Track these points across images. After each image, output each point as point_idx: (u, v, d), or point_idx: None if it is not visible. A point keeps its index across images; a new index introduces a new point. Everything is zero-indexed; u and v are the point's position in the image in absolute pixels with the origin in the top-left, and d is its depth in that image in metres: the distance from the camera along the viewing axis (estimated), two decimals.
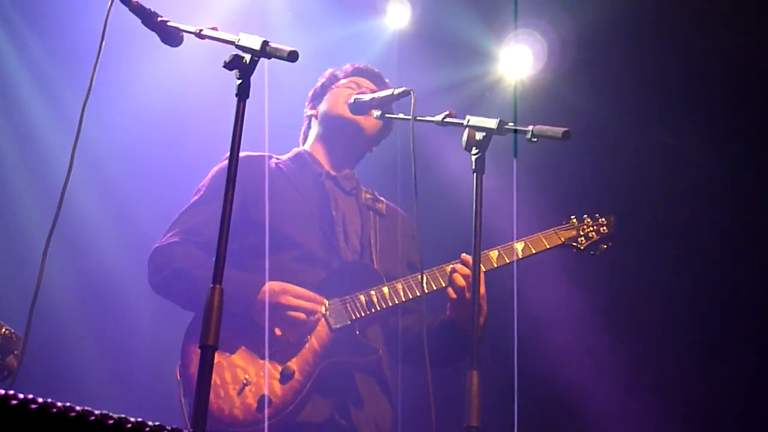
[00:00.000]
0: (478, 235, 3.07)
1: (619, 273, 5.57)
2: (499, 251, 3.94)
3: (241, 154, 3.89)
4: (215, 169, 3.98)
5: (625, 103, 5.70)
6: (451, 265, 3.78)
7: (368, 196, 4.15)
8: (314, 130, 4.21)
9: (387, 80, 4.23)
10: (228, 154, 3.84)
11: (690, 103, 5.68)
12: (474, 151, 3.16)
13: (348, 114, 4.02)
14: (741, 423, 5.48)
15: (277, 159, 4.08)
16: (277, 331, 3.63)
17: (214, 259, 3.70)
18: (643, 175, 5.82)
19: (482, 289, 3.68)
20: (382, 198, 4.20)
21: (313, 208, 3.95)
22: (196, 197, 3.93)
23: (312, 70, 4.29)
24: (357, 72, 4.23)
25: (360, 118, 4.02)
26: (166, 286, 3.80)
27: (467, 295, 3.70)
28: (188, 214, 3.88)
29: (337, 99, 4.11)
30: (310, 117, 4.25)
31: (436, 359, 3.47)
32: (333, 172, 4.10)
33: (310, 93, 4.28)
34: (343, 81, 4.20)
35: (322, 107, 4.17)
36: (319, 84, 4.26)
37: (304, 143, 4.26)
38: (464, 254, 3.75)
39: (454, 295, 3.73)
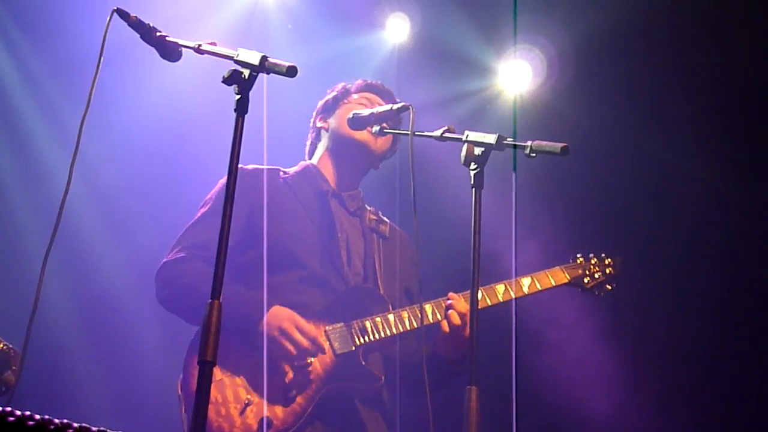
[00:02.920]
0: (477, 251, 3.07)
1: (618, 288, 5.56)
2: (505, 285, 3.95)
3: (250, 166, 3.93)
4: (222, 181, 3.95)
5: (624, 117, 5.70)
6: (449, 301, 3.77)
7: (372, 217, 4.13)
8: (323, 143, 4.19)
9: (397, 99, 4.17)
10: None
11: (690, 117, 5.68)
12: (473, 166, 3.17)
13: (360, 135, 4.01)
14: None
15: (285, 173, 4.07)
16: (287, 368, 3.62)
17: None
18: (642, 189, 5.81)
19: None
20: (386, 219, 4.19)
21: (319, 228, 3.93)
22: (203, 210, 3.91)
23: (311, 85, 4.28)
24: (369, 88, 4.21)
25: (370, 139, 4.02)
26: (174, 301, 3.77)
27: (461, 333, 3.71)
28: (195, 229, 3.86)
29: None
30: (319, 129, 4.21)
31: (415, 387, 3.48)
32: (339, 191, 4.09)
33: (321, 104, 4.24)
34: (354, 96, 4.17)
35: (333, 122, 4.15)
36: (330, 97, 4.22)
37: (310, 156, 4.23)
38: (451, 293, 3.77)
39: (447, 330, 3.74)
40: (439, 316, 3.78)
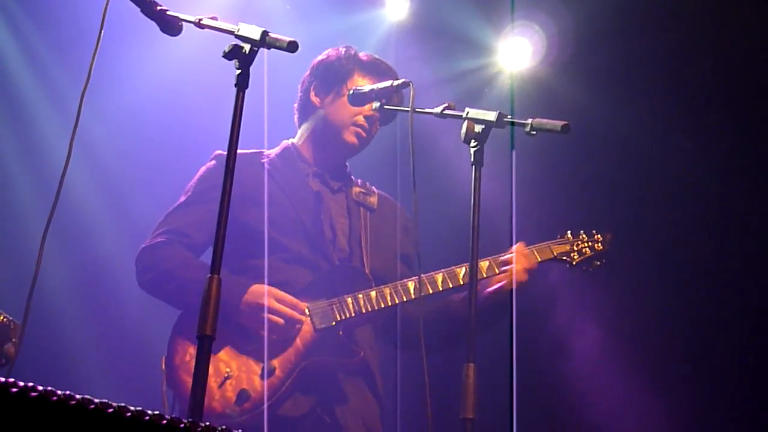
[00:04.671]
0: (476, 228, 3.09)
1: (618, 268, 5.56)
2: (490, 262, 3.95)
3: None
4: (203, 169, 3.97)
5: (623, 96, 5.67)
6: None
7: (359, 190, 4.11)
8: (311, 123, 4.11)
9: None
10: (216, 152, 3.91)
11: (691, 98, 5.65)
12: (473, 143, 3.18)
13: (349, 138, 3.98)
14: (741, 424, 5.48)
15: (266, 156, 4.04)
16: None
17: (200, 257, 3.78)
18: (642, 169, 5.80)
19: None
20: (374, 189, 4.17)
21: (300, 212, 3.92)
22: (183, 198, 3.92)
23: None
24: (374, 70, 4.03)
25: (356, 143, 3.99)
26: (153, 288, 3.85)
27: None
28: (175, 215, 3.89)
29: (344, 115, 3.99)
30: (311, 103, 4.09)
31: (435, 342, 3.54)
32: (321, 170, 4.06)
33: (321, 70, 4.08)
34: (357, 78, 4.00)
35: (327, 109, 4.04)
36: (334, 69, 4.05)
37: (299, 125, 4.16)
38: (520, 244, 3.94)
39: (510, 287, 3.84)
40: (421, 292, 3.78)
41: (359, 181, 4.16)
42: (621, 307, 5.73)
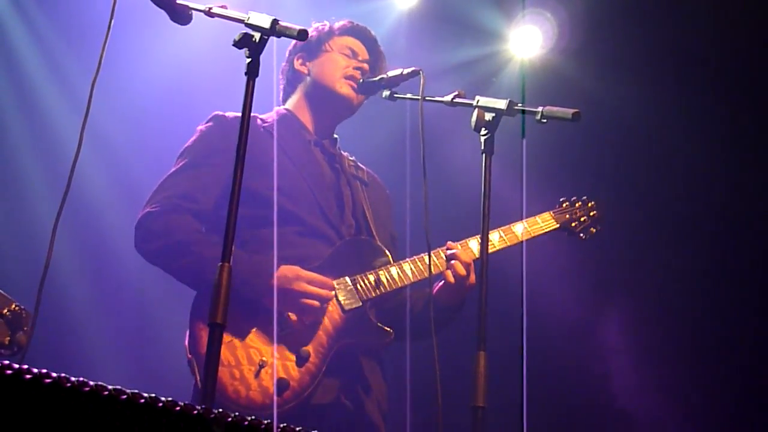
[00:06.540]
0: (487, 216, 3.09)
1: (626, 252, 5.56)
2: (499, 234, 3.93)
3: (230, 114, 3.85)
4: (200, 128, 3.86)
5: (634, 83, 5.66)
6: (452, 251, 3.76)
7: (351, 162, 4.07)
8: (301, 89, 4.05)
9: (381, 48, 4.10)
10: (214, 113, 3.86)
11: (701, 85, 5.64)
12: (483, 132, 3.18)
13: (343, 90, 3.94)
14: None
15: (263, 120, 3.93)
16: (293, 316, 3.57)
17: (210, 232, 3.69)
18: (653, 156, 5.79)
19: (473, 277, 3.73)
20: (361, 165, 4.13)
21: (308, 180, 3.85)
22: (184, 161, 3.79)
23: None
24: (354, 32, 4.06)
25: (352, 94, 3.94)
26: (161, 257, 3.69)
27: (465, 282, 3.73)
28: (177, 179, 3.75)
29: (333, 69, 3.98)
30: (298, 72, 4.06)
31: (414, 332, 3.52)
32: (319, 138, 4.01)
33: (299, 45, 4.04)
34: (338, 38, 4.03)
35: (315, 69, 4.02)
36: (313, 36, 3.99)
37: (285, 99, 4.10)
38: (450, 242, 3.78)
39: (452, 280, 3.73)
40: (439, 266, 3.74)
41: (347, 153, 4.11)
42: (637, 293, 5.74)
